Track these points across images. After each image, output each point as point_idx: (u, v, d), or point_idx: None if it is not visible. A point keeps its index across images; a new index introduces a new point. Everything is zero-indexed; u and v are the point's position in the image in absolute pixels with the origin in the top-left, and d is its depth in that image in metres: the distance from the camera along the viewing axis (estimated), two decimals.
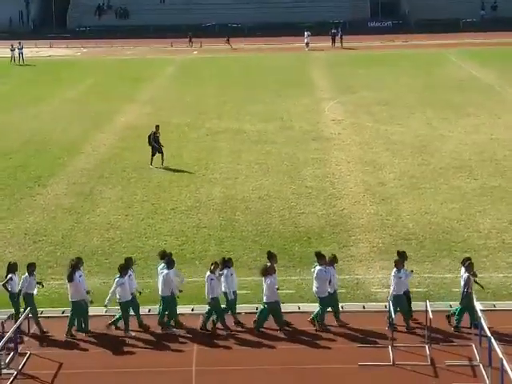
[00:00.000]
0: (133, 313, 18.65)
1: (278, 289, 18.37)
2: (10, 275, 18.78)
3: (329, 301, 18.51)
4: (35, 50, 75.69)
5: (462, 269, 18.43)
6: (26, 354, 17.53)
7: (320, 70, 59.98)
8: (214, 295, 18.49)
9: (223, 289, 18.60)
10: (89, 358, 17.54)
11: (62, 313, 19.49)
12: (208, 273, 18.66)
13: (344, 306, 19.27)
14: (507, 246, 23.07)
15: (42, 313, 19.40)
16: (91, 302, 18.66)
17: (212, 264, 18.79)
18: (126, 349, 17.86)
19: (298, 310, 19.32)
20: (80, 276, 18.60)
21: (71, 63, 69.03)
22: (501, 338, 17.44)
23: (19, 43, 68.37)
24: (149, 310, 19.39)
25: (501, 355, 15.24)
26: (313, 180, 30.14)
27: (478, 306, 17.97)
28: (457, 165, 31.70)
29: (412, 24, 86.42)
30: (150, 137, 33.09)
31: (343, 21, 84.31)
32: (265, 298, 18.38)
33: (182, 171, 31.83)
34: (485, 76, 54.47)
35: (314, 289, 18.64)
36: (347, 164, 32.36)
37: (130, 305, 18.50)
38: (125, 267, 18.61)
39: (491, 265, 21.88)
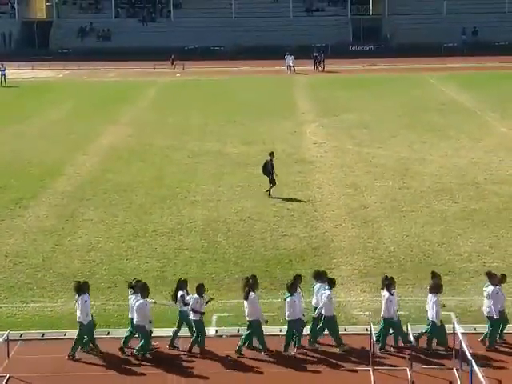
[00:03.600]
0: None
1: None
2: None
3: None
4: (17, 72, 75.61)
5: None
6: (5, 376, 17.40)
7: (302, 93, 60.25)
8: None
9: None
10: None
11: (42, 335, 19.37)
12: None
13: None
14: (488, 269, 23.10)
15: (21, 336, 19.28)
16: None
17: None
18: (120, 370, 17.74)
19: (279, 333, 19.26)
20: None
21: (53, 85, 68.99)
22: (482, 361, 17.47)
23: (1, 64, 68.34)
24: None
25: (482, 379, 15.26)
26: (295, 202, 30.19)
27: (459, 329, 18.00)
28: (438, 188, 31.86)
29: (393, 48, 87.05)
30: (265, 165, 31.41)
31: (325, 44, 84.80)
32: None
33: (164, 193, 31.80)
34: (465, 100, 54.89)
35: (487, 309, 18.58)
36: (329, 187, 32.45)
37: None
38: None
39: (472, 288, 21.93)
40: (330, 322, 18.61)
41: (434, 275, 19.21)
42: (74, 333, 19.18)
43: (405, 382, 17.02)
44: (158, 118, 50.06)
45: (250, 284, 18.53)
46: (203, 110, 52.71)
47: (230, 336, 19.05)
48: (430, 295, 18.49)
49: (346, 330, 19.46)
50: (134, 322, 18.35)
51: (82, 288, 18.51)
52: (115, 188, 32.67)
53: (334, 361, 18.05)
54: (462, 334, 17.86)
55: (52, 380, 17.42)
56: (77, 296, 18.45)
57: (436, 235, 26.24)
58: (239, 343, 18.36)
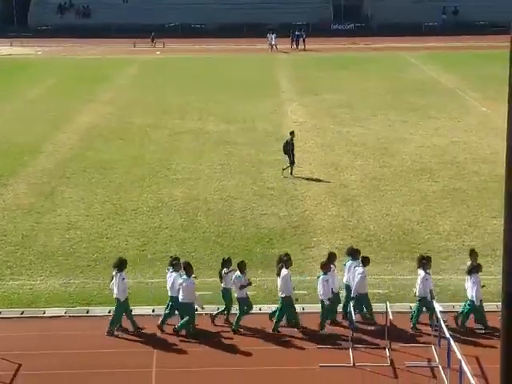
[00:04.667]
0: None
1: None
2: None
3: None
4: None
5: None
6: None
7: (283, 72, 60.10)
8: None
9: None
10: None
11: (21, 313, 19.32)
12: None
13: (305, 307, 19.30)
14: (467, 248, 23.15)
15: (0, 313, 19.22)
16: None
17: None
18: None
19: (258, 312, 19.30)
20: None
21: (32, 62, 68.42)
22: (460, 338, 17.61)
23: None
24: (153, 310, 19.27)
25: (460, 356, 15.36)
26: (275, 181, 30.18)
27: (438, 307, 18.09)
28: (418, 167, 31.95)
29: (374, 27, 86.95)
30: (286, 145, 31.12)
31: (306, 23, 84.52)
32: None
33: (144, 172, 31.69)
34: (446, 79, 54.97)
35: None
36: (309, 166, 32.44)
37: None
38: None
39: (451, 266, 22.07)
40: (363, 299, 18.64)
41: (472, 253, 19.11)
42: (53, 311, 19.21)
43: (384, 360, 17.13)
44: (138, 96, 49.80)
45: (284, 261, 18.64)
46: (184, 88, 52.47)
47: (210, 314, 19.04)
48: (469, 276, 18.42)
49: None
50: (180, 300, 18.26)
51: (121, 265, 18.44)
52: (95, 166, 32.52)
53: (313, 338, 18.12)
54: (441, 312, 17.96)
55: (30, 358, 17.38)
56: (115, 273, 18.37)
57: (416, 214, 26.33)
58: (274, 320, 18.46)
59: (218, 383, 16.39)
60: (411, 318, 18.55)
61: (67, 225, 25.63)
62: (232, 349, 17.77)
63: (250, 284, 18.71)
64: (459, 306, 19.09)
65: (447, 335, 16.25)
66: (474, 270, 18.42)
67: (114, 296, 18.32)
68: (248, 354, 17.54)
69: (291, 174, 30.79)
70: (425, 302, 18.48)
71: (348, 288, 18.96)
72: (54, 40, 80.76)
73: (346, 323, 18.56)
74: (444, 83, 53.56)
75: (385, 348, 17.52)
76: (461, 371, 15.06)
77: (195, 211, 26.84)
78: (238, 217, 26.27)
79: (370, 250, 22.52)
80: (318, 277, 18.69)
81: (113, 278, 18.42)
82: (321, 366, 16.87)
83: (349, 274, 18.96)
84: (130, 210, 26.97)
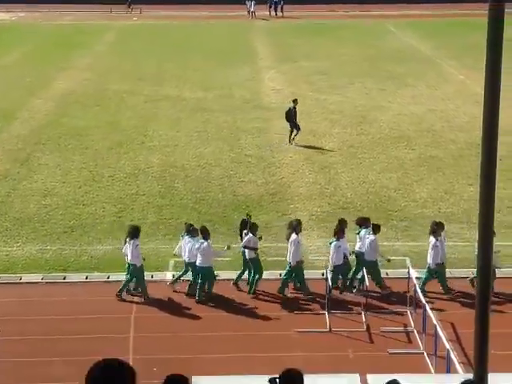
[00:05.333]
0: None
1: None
2: None
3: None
4: None
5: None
6: None
7: (261, 39, 59.79)
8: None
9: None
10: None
11: None
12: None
13: (282, 273, 19.38)
14: (443, 215, 23.39)
15: None
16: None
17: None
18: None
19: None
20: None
21: (7, 28, 67.60)
22: (435, 304, 17.76)
23: None
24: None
25: (435, 321, 15.51)
26: (252, 148, 30.14)
27: (414, 273, 18.23)
28: (395, 135, 32.00)
29: None
30: (288, 112, 30.88)
31: None
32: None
33: (121, 138, 31.53)
34: (425, 48, 54.91)
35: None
36: (286, 133, 32.37)
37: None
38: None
39: (427, 233, 22.15)
40: (373, 266, 18.69)
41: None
42: (30, 277, 19.17)
43: (360, 325, 17.25)
44: (116, 62, 49.39)
45: (294, 226, 18.76)
46: (161, 55, 52.07)
47: (187, 280, 19.07)
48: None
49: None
50: (198, 264, 18.35)
51: (135, 232, 18.49)
52: (71, 133, 32.30)
53: (291, 304, 18.24)
54: (417, 278, 18.11)
55: (6, 323, 17.35)
56: (128, 239, 18.37)
57: (392, 181, 26.42)
58: (280, 285, 18.61)
59: (195, 348, 16.45)
60: (419, 282, 18.56)
61: (43, 191, 25.50)
62: (210, 315, 17.84)
63: (260, 238, 18.89)
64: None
65: (423, 301, 16.40)
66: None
67: (129, 262, 18.33)
68: (224, 319, 17.62)
69: (290, 142, 30.57)
70: (435, 269, 18.45)
71: (360, 256, 19.01)
72: (29, 5, 79.72)
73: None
74: (423, 51, 53.50)
75: (361, 313, 17.64)
76: (436, 336, 15.22)
77: (172, 178, 26.77)
78: (215, 184, 26.24)
79: (347, 217, 22.47)
80: (330, 243, 18.75)
81: (125, 243, 18.47)
82: (297, 331, 16.97)
83: (361, 242, 19.01)
84: (107, 177, 26.86)
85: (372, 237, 18.76)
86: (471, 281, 18.50)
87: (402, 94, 39.66)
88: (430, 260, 18.58)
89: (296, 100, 31.71)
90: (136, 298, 18.52)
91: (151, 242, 21.46)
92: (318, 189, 25.77)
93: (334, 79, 43.61)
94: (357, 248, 19.15)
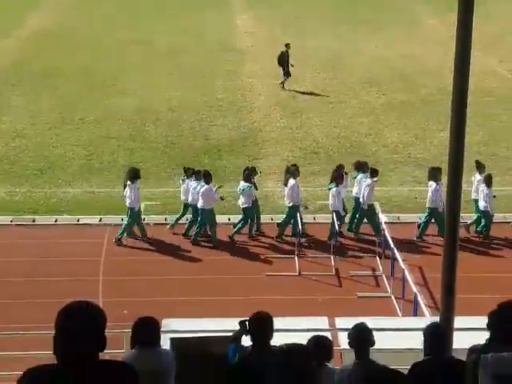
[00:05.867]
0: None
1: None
2: None
3: None
4: None
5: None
6: None
7: None
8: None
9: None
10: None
11: None
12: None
13: (230, 218, 19.38)
14: (412, 160, 23.54)
15: None
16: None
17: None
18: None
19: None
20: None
21: None
22: (403, 249, 17.94)
23: None
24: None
25: (403, 266, 15.68)
26: (224, 92, 29.97)
27: (383, 218, 18.37)
28: (367, 80, 31.94)
29: None
30: (281, 56, 30.51)
31: None
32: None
33: (92, 81, 31.17)
34: None
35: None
36: (259, 77, 32.23)
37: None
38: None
39: (397, 178, 22.34)
40: (370, 210, 18.73)
41: (480, 165, 19.18)
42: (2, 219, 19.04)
43: (329, 269, 17.41)
44: (85, 4, 48.58)
45: (291, 171, 18.75)
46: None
47: (156, 224, 19.10)
48: (481, 186, 18.56)
49: (272, 219, 19.72)
50: (199, 206, 18.24)
51: (136, 175, 18.32)
52: (41, 74, 31.88)
53: (261, 248, 18.34)
54: (386, 223, 18.26)
55: None
56: (129, 182, 18.19)
57: (364, 126, 26.46)
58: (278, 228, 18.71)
59: (171, 291, 16.52)
60: (418, 227, 18.69)
61: (12, 133, 25.26)
62: (187, 258, 17.92)
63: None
64: (405, 217, 19.44)
65: (391, 245, 16.57)
66: (487, 181, 18.58)
67: (127, 205, 18.22)
68: (199, 261, 17.72)
69: (283, 87, 30.32)
70: (435, 213, 18.54)
71: (356, 200, 19.05)
72: None
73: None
74: None
75: (330, 257, 17.79)
76: (404, 280, 15.41)
77: (143, 121, 26.60)
78: (186, 127, 26.13)
79: (318, 161, 22.65)
80: (329, 189, 18.76)
81: (125, 187, 18.29)
82: (267, 275, 17.11)
83: (358, 186, 19.04)
84: (77, 120, 26.63)
85: (369, 180, 18.77)
86: (467, 226, 18.68)
87: (374, 39, 39.47)
88: (431, 204, 18.50)
89: (288, 44, 31.41)
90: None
91: (121, 185, 21.35)
92: (289, 133, 25.74)
93: (308, 23, 43.23)
94: (354, 193, 19.20)
